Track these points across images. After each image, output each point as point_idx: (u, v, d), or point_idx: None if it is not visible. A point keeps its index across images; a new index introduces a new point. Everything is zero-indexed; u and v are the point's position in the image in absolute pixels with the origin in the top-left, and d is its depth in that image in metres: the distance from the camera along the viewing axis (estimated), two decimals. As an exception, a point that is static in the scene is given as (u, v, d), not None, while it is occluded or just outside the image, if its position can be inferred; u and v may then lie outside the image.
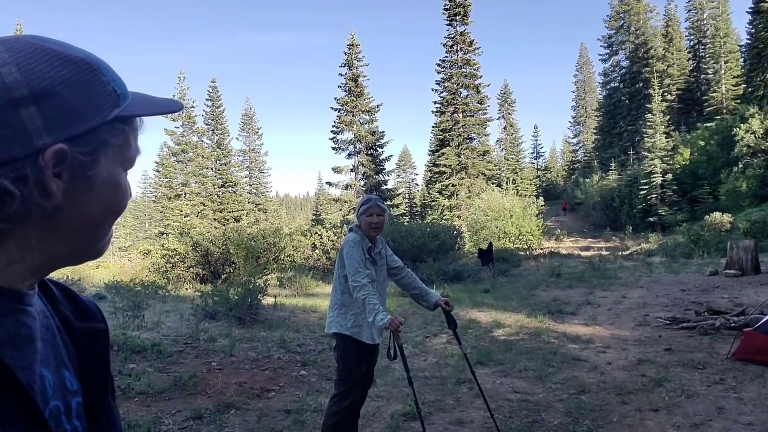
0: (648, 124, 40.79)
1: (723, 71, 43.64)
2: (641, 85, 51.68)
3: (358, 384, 3.98)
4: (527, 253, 26.11)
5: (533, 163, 71.33)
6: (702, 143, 36.77)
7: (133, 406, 5.16)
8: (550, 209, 48.13)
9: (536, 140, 77.05)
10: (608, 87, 57.50)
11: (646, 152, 40.54)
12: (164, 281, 16.26)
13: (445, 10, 40.83)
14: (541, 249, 29.15)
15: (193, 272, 16.87)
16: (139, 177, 65.07)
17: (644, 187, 38.57)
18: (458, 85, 40.82)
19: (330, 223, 22.11)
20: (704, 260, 18.40)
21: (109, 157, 0.66)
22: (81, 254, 0.69)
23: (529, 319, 9.64)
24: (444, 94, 41.46)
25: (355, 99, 37.39)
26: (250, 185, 56.24)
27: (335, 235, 18.14)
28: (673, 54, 51.51)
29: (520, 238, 29.72)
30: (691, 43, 52.90)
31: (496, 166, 46.38)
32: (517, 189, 48.34)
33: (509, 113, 62.46)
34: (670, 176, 37.59)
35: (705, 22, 50.33)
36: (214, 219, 42.82)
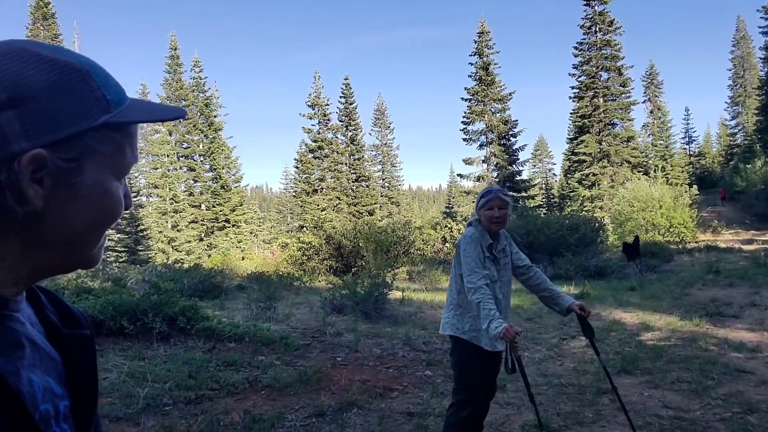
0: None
1: None
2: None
3: (478, 393, 3.57)
4: (679, 246, 23.71)
5: (685, 148, 64.91)
6: None
7: (260, 400, 5.18)
8: (705, 198, 43.60)
9: (688, 124, 69.73)
10: (772, 61, 50.53)
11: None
12: (300, 273, 16.90)
13: (582, -11, 38.33)
14: (696, 242, 26.27)
15: (327, 265, 17.33)
16: (281, 173, 69.00)
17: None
18: (598, 68, 38.16)
19: (461, 216, 21.70)
20: None
21: (97, 164, 0.64)
22: (71, 263, 0.68)
23: (683, 322, 8.54)
24: (582, 78, 38.99)
25: (486, 88, 36.39)
26: (383, 179, 57.21)
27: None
28: None
29: (670, 230, 27.04)
30: None
31: (642, 153, 42.75)
32: (667, 177, 44.06)
33: (656, 96, 57.30)
34: None
35: None
36: (349, 212, 44.09)
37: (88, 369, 0.75)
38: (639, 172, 36.75)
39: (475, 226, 3.57)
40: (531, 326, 8.37)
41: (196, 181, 39.23)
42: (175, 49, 39.67)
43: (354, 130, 49.14)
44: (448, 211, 41.45)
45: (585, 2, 38.45)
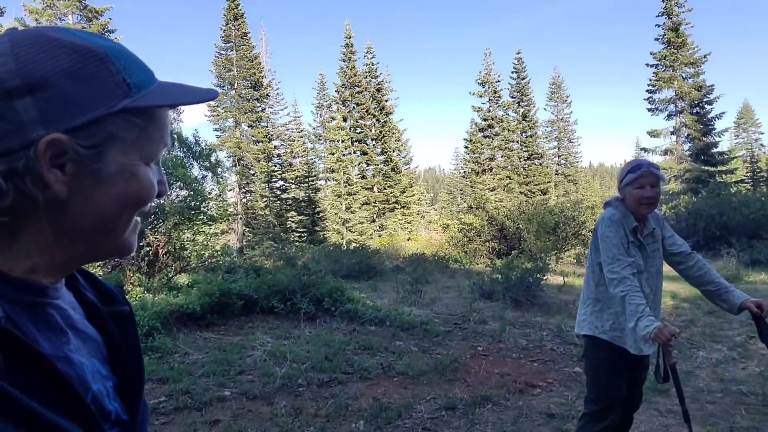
0: None
1: None
2: None
3: (617, 404, 3.05)
4: None
5: None
6: None
7: (391, 387, 5.08)
8: None
9: None
10: None
11: None
12: (461, 255, 16.66)
13: None
14: None
15: (489, 246, 16.84)
16: (451, 153, 69.17)
17: None
18: (823, 14, 31.90)
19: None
20: None
21: (120, 150, 0.64)
22: (103, 249, 0.68)
23: None
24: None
25: (675, 51, 32.40)
26: (559, 156, 54.39)
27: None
28: None
29: None
30: None
31: None
32: None
33: None
34: None
35: None
36: (520, 192, 42.59)
37: (131, 346, 0.76)
38: None
39: (615, 207, 3.02)
40: (711, 321, 7.23)
41: (368, 165, 40.76)
42: (350, 37, 41.27)
43: (526, 106, 47.17)
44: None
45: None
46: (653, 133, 33.97)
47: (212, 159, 12.86)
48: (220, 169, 12.84)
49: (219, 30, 34.74)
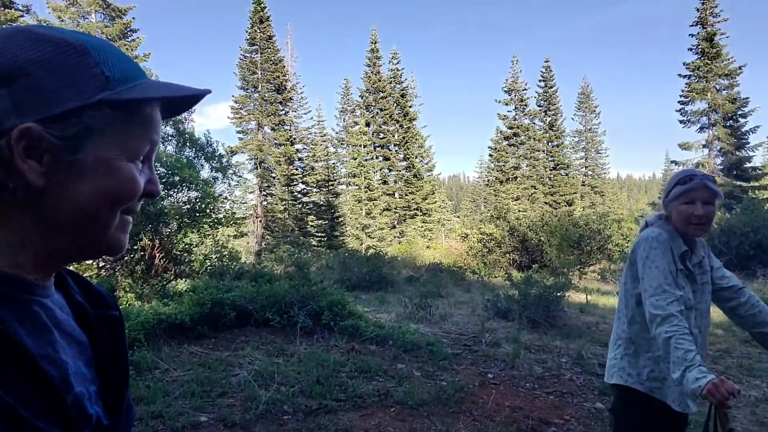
0: None
1: None
2: None
3: None
4: None
5: None
6: None
7: (386, 418, 4.53)
8: None
9: None
10: None
11: None
12: (480, 266, 16.02)
13: None
14: None
15: (509, 258, 16.18)
16: (475, 161, 68.49)
17: None
18: None
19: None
20: None
21: (98, 143, 0.63)
22: (89, 246, 0.67)
23: None
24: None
25: (709, 62, 31.28)
26: (586, 167, 53.35)
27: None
28: None
29: None
30: None
31: None
32: None
33: None
34: None
35: None
36: (545, 203, 41.71)
37: (117, 351, 0.75)
38: None
39: (660, 226, 2.45)
40: (748, 351, 6.52)
41: (390, 170, 40.29)
42: (375, 43, 40.96)
43: (553, 115, 46.28)
44: (658, 202, 36.82)
45: None
46: (684, 146, 32.85)
47: (223, 160, 12.49)
48: (231, 171, 12.45)
49: (244, 33, 34.65)
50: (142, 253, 7.69)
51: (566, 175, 45.76)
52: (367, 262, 14.10)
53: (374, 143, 39.92)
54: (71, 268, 0.77)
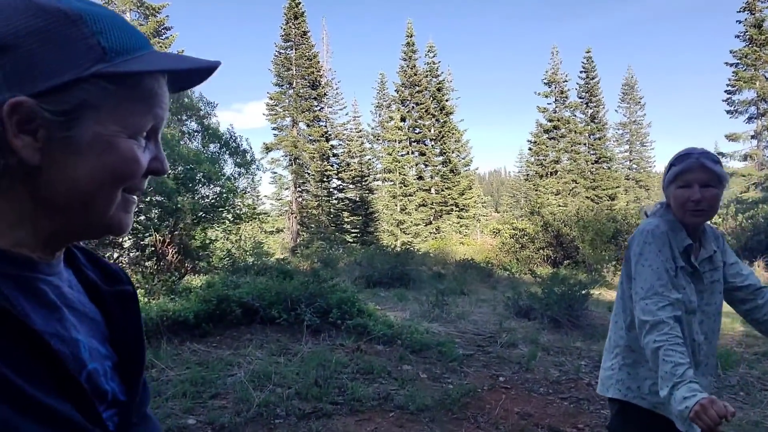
0: None
1: None
2: None
3: None
4: None
5: None
6: None
7: (384, 424, 4.27)
8: None
9: None
10: None
11: None
12: (513, 262, 15.55)
13: None
14: None
15: (543, 254, 15.64)
16: (516, 156, 67.47)
17: None
18: None
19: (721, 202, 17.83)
20: None
21: (95, 119, 0.61)
22: (89, 224, 0.65)
23: None
24: None
25: (758, 49, 29.68)
26: (630, 160, 51.95)
27: (719, 217, 14.31)
28: None
29: None
30: None
31: None
32: None
33: None
34: None
35: None
36: (587, 197, 40.55)
37: (132, 326, 0.74)
38: None
39: (662, 216, 2.10)
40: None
41: (426, 165, 39.88)
42: (411, 36, 40.57)
43: (595, 107, 44.96)
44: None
45: None
46: (732, 137, 31.39)
47: (247, 155, 12.42)
48: (254, 166, 12.37)
49: (279, 29, 34.80)
50: (153, 248, 7.63)
51: (609, 168, 44.41)
52: (394, 258, 13.83)
53: (410, 138, 39.58)
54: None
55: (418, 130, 39.74)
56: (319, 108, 35.58)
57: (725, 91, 31.54)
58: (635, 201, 44.74)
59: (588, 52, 46.16)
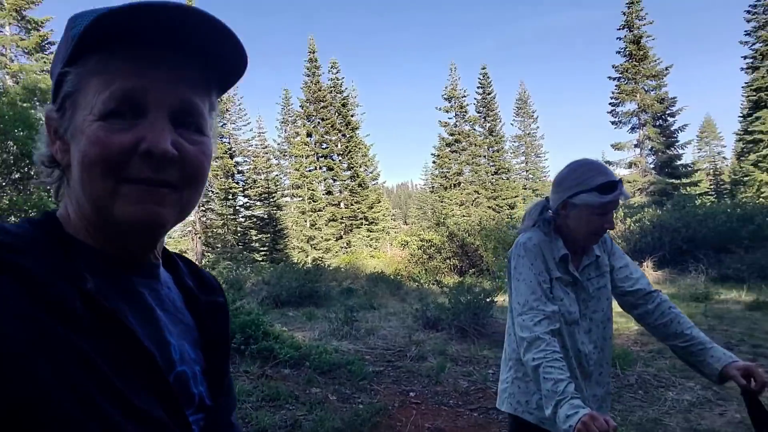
0: None
1: None
2: None
3: None
4: None
5: None
6: None
7: (291, 451, 4.08)
8: None
9: None
10: None
11: None
12: (422, 273, 15.74)
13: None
14: None
15: (449, 264, 15.97)
16: (421, 168, 68.91)
17: None
18: (778, 30, 32.14)
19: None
20: None
21: (74, 107, 0.62)
22: (105, 221, 0.63)
23: None
24: (758, 45, 33.06)
25: (637, 63, 32.34)
26: (526, 171, 54.51)
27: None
28: None
29: None
30: None
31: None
32: None
33: None
34: None
35: None
36: (488, 207, 42.16)
37: (221, 335, 0.77)
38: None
39: (540, 227, 2.07)
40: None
41: (335, 180, 39.85)
42: (314, 52, 40.54)
43: (492, 121, 47.01)
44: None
45: (761, -46, 32.60)
46: (617, 146, 33.87)
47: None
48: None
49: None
50: None
51: (507, 179, 46.50)
52: (303, 275, 13.56)
53: (317, 153, 39.41)
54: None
55: (325, 145, 39.65)
56: (221, 124, 34.62)
57: (609, 104, 34.01)
58: (534, 209, 46.79)
59: (483, 69, 48.22)
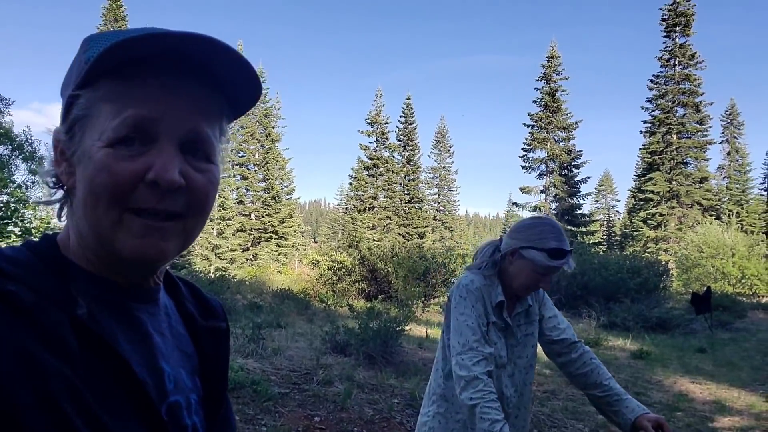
0: None
1: None
2: None
3: None
4: (753, 300, 21.38)
5: (763, 195, 59.86)
6: None
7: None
8: (786, 250, 39.72)
9: (768, 169, 64.51)
10: None
11: None
12: (329, 294, 15.70)
13: (663, 20, 35.88)
14: (770, 297, 23.98)
15: (358, 287, 16.05)
16: (337, 188, 68.97)
17: None
18: (674, 102, 35.49)
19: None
20: None
21: (82, 131, 0.62)
22: (105, 252, 0.62)
23: (770, 406, 6.76)
24: (656, 112, 36.39)
25: (550, 114, 34.54)
26: (438, 203, 55.95)
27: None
28: None
29: (742, 281, 24.76)
30: None
31: (715, 195, 39.40)
32: (741, 224, 40.53)
33: (735, 137, 52.84)
34: None
35: None
36: (399, 233, 42.86)
37: (220, 360, 0.75)
38: (711, 215, 33.92)
39: (486, 268, 2.16)
40: (573, 393, 6.76)
41: (248, 190, 39.06)
42: (240, 58, 39.86)
43: (412, 150, 48.12)
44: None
45: (665, 34, 36.03)
46: (525, 190, 35.72)
47: (45, 163, 10.99)
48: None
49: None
50: None
51: (420, 209, 47.55)
52: (207, 286, 13.12)
53: (232, 161, 38.49)
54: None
55: (242, 154, 38.86)
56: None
57: (522, 149, 35.97)
58: (440, 240, 48.08)
59: (408, 99, 49.38)
